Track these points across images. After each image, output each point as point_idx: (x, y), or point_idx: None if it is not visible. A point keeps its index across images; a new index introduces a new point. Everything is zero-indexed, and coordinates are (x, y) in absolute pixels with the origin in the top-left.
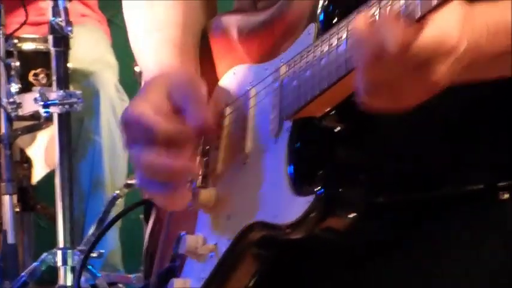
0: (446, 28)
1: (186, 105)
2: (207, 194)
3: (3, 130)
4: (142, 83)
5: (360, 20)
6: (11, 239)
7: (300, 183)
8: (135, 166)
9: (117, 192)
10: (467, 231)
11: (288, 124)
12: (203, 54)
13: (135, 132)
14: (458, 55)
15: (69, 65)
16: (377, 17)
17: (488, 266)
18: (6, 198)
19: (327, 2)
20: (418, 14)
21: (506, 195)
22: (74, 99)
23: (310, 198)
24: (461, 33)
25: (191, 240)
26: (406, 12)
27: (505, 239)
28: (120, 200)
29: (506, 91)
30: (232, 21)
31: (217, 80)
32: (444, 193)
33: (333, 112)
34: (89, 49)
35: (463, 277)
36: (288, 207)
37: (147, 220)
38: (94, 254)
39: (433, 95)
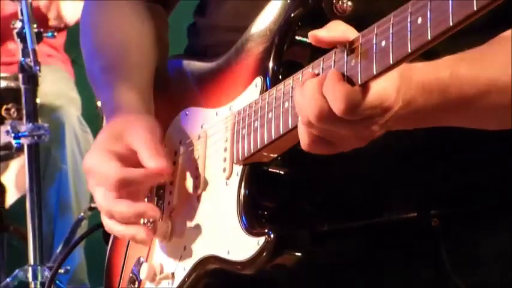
0: (384, 90)
1: (141, 150)
2: (163, 226)
3: None
4: (104, 119)
5: (306, 83)
6: None
7: (250, 225)
8: (99, 208)
9: (82, 214)
10: (402, 259)
11: (238, 168)
12: (157, 92)
13: (96, 179)
14: (393, 113)
15: (37, 100)
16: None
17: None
18: None
19: (272, 61)
20: (359, 81)
21: (437, 223)
22: (42, 132)
23: (261, 239)
24: (397, 94)
25: (150, 268)
26: (349, 76)
27: (437, 264)
28: (84, 221)
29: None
30: (186, 65)
31: (169, 117)
32: (379, 221)
33: (279, 158)
34: (54, 86)
35: None
36: (240, 246)
37: (106, 241)
38: (61, 270)
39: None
